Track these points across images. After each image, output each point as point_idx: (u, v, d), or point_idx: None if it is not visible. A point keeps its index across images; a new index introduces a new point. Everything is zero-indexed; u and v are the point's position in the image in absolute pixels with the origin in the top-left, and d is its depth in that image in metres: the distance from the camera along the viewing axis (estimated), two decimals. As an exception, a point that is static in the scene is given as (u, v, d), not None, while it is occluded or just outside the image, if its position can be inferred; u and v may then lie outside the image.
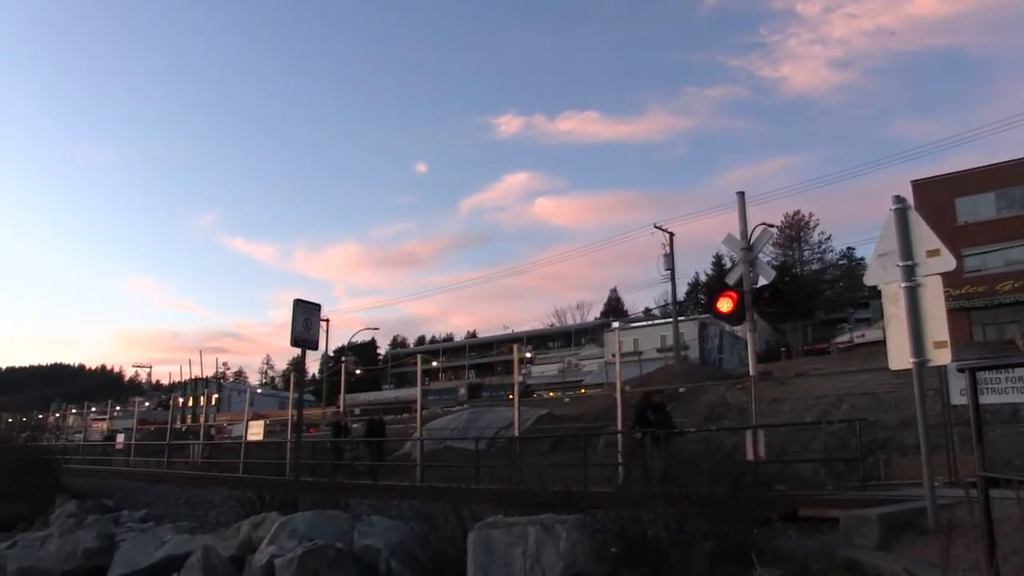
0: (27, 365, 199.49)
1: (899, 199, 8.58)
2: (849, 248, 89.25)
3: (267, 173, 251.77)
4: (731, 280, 17.84)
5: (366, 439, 26.06)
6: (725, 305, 16.84)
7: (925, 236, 8.38)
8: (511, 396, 35.27)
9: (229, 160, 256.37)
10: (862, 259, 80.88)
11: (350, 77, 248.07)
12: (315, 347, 17.04)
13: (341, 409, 31.07)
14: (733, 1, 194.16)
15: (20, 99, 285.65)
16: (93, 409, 68.54)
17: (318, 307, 16.67)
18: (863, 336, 59.52)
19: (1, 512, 17.83)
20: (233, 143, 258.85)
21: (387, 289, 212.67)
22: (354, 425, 31.20)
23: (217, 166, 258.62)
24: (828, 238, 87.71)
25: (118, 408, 63.28)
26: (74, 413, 66.31)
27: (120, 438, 46.32)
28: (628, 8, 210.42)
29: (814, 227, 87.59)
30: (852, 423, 17.24)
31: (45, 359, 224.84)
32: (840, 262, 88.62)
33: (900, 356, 8.49)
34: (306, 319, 16.12)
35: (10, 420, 61.53)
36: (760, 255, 17.39)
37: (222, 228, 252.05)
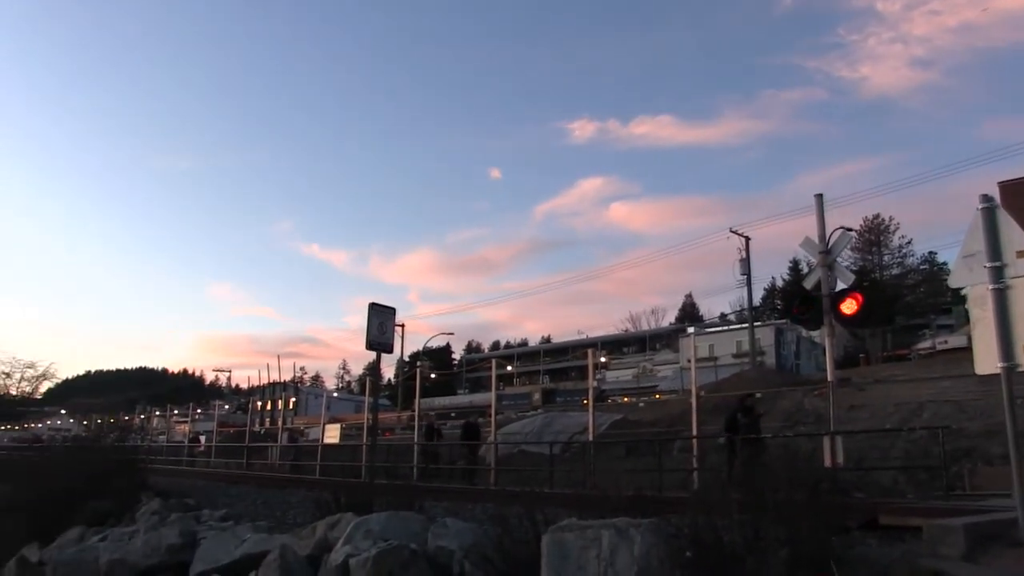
0: (113, 368, 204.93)
1: (987, 198, 8.32)
2: (931, 252, 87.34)
3: (342, 180, 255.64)
4: (808, 284, 17.57)
5: (462, 442, 26.52)
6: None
7: (1015, 236, 8.11)
8: (585, 401, 35.18)
9: (306, 168, 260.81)
10: (944, 264, 79.16)
11: (425, 83, 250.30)
12: (390, 351, 17.13)
13: (416, 412, 31.35)
14: (810, 1, 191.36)
15: (102, 111, 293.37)
16: (175, 412, 69.96)
17: (393, 311, 16.77)
18: (945, 343, 58.08)
19: (92, 508, 18.39)
20: (309, 151, 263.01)
21: (462, 295, 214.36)
22: (439, 430, 31.34)
23: (294, 174, 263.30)
24: (909, 242, 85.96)
25: (199, 411, 64.46)
26: (157, 415, 67.64)
27: (202, 440, 47.25)
28: (703, 11, 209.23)
29: (894, 231, 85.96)
30: (934, 430, 16.81)
31: (130, 363, 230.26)
32: (921, 267, 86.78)
33: (987, 360, 8.23)
34: (381, 323, 16.22)
35: (99, 421, 63.16)
36: (839, 259, 17.08)
37: (299, 235, 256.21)
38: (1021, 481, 7.99)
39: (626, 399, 58.33)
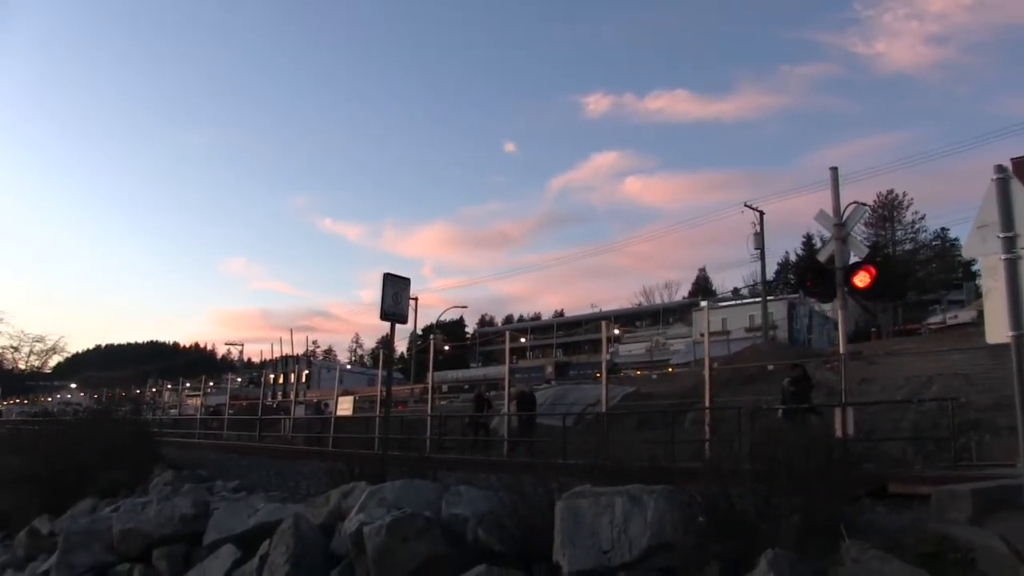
0: (125, 343, 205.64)
1: (1001, 168, 8.34)
2: (943, 228, 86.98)
3: (357, 154, 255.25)
4: (822, 257, 17.59)
5: (518, 413, 25.62)
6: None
7: (1029, 206, 8.15)
8: (598, 374, 35.26)
9: (320, 142, 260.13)
10: (956, 240, 78.87)
11: (440, 57, 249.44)
12: (404, 321, 17.15)
13: (430, 384, 31.49)
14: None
15: (117, 84, 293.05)
16: (188, 385, 70.29)
17: (407, 281, 16.79)
18: (956, 317, 57.95)
19: (104, 479, 18.54)
20: (323, 125, 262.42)
21: (476, 268, 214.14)
22: (490, 400, 30.94)
23: (309, 148, 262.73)
24: (922, 218, 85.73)
25: (211, 384, 64.75)
26: (169, 389, 67.95)
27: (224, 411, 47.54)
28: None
29: (908, 207, 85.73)
30: (943, 402, 16.88)
31: (142, 337, 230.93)
32: (934, 243, 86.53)
33: (998, 329, 8.28)
34: (396, 293, 16.24)
35: (110, 395, 63.46)
36: (852, 232, 17.07)
37: (313, 209, 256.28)
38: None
39: (638, 373, 58.39)
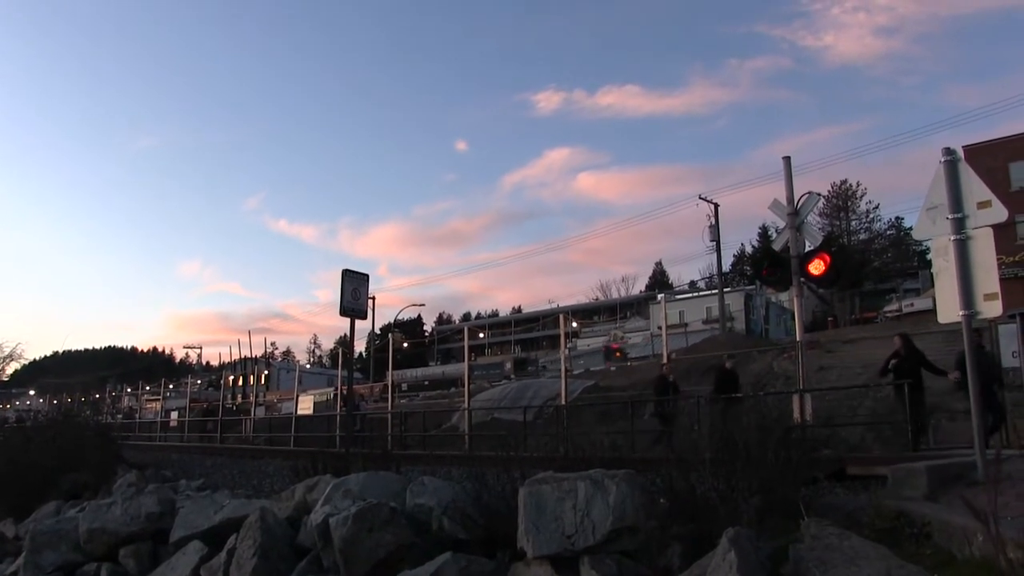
0: (82, 349, 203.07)
1: (949, 151, 8.51)
2: (897, 218, 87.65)
3: (310, 154, 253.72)
4: (777, 246, 17.74)
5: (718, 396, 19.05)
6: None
7: (976, 188, 8.31)
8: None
9: (273, 143, 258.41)
10: (910, 228, 79.61)
11: (388, 56, 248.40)
12: (364, 316, 17.19)
13: (389, 383, 31.26)
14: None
15: (66, 87, 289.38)
16: (147, 389, 69.70)
17: (366, 277, 16.83)
18: (912, 305, 58.72)
19: (68, 481, 18.44)
20: (275, 125, 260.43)
21: (432, 267, 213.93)
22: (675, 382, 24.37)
23: (261, 149, 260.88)
24: (876, 207, 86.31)
25: (171, 387, 64.23)
26: (128, 393, 67.31)
27: (174, 415, 47.27)
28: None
29: (861, 196, 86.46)
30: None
31: (99, 343, 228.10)
32: (888, 232, 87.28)
33: (949, 309, 8.45)
34: (354, 288, 16.27)
35: (69, 400, 62.80)
36: (807, 220, 17.25)
37: (267, 210, 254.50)
38: (980, 419, 8.27)
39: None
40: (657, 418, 17.08)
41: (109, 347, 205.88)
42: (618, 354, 59.84)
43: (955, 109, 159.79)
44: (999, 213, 8.19)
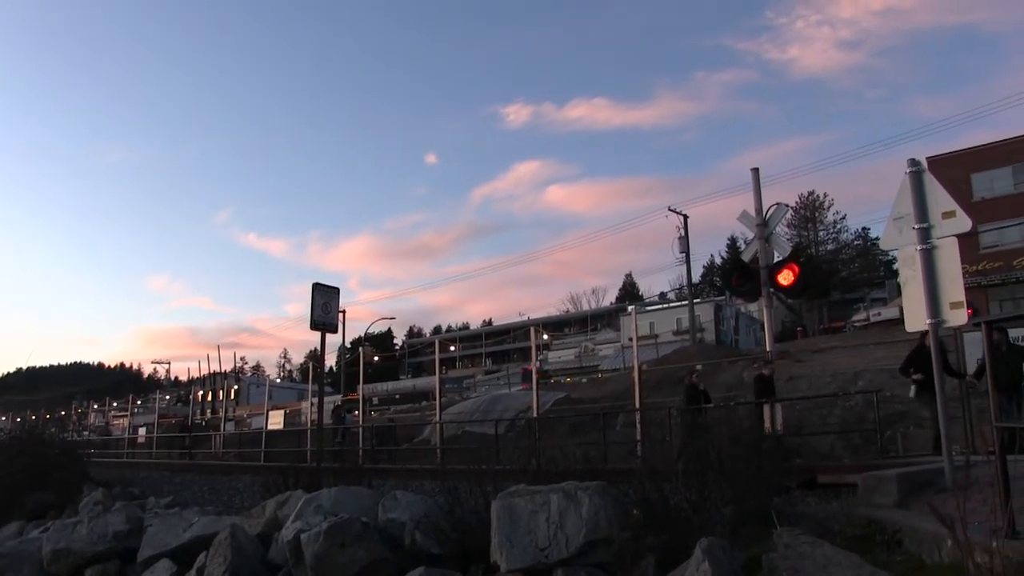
0: (47, 365, 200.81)
1: (914, 162, 8.62)
2: (864, 228, 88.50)
3: (279, 168, 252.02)
4: (747, 257, 17.88)
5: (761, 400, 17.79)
6: (786, 278, 16.69)
7: (941, 198, 8.41)
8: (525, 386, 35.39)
9: (242, 156, 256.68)
10: (877, 239, 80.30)
11: (358, 69, 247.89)
12: (335, 330, 17.13)
13: (360, 396, 30.90)
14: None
15: (35, 100, 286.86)
16: (114, 405, 69.03)
17: (337, 290, 16.76)
18: (879, 315, 59.26)
19: (32, 501, 18.19)
20: (245, 139, 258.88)
21: (402, 280, 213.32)
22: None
23: (230, 163, 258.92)
24: (843, 218, 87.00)
25: (139, 403, 63.68)
26: (96, 410, 66.64)
27: (142, 432, 46.84)
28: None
29: (829, 207, 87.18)
30: (869, 395, 17.23)
31: (65, 359, 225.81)
32: (855, 242, 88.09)
33: (916, 318, 8.54)
34: (325, 302, 16.21)
35: (34, 417, 62.13)
36: (776, 230, 17.40)
37: (236, 224, 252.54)
38: (947, 426, 8.35)
39: (568, 380, 58.70)
40: (686, 428, 16.84)
41: (75, 363, 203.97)
42: (537, 376, 59.75)
43: (919, 121, 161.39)
44: (963, 223, 8.29)
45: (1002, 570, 4.84)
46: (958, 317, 8.35)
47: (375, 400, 63.99)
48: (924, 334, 17.20)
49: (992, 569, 4.84)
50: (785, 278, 16.69)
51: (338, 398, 36.27)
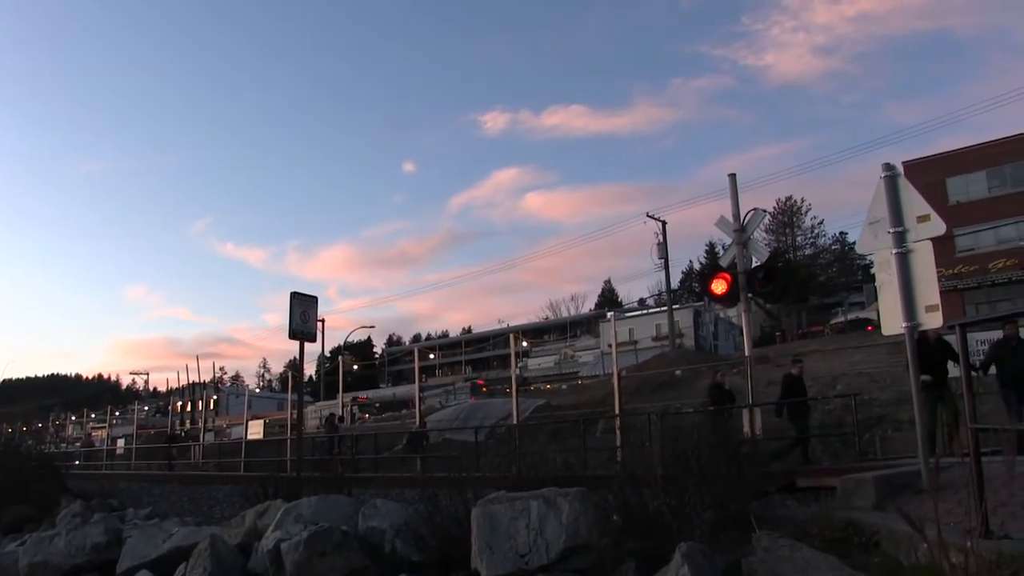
0: (24, 377, 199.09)
1: (888, 166, 8.70)
2: (842, 233, 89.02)
3: (255, 177, 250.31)
4: (724, 262, 17.93)
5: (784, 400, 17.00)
6: (719, 287, 16.88)
7: (915, 202, 8.49)
8: (508, 389, 35.38)
9: (219, 166, 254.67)
10: (854, 243, 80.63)
11: (334, 78, 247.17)
12: (313, 339, 17.07)
13: (340, 405, 30.84)
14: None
15: (8, 111, 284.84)
16: (92, 416, 68.57)
17: (315, 299, 16.71)
18: (857, 319, 59.71)
19: (9, 514, 18.04)
20: (222, 148, 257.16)
21: (381, 289, 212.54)
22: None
23: (207, 172, 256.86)
24: (821, 223, 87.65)
25: (117, 414, 63.27)
26: (73, 421, 66.25)
27: (120, 443, 46.54)
28: (610, 1, 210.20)
29: (806, 212, 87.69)
30: (847, 399, 17.31)
31: (42, 371, 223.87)
32: (833, 247, 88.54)
33: (892, 321, 8.61)
34: (303, 311, 16.16)
35: (10, 430, 61.63)
36: (754, 235, 17.46)
37: (214, 234, 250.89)
38: (924, 427, 8.41)
39: (548, 387, 58.72)
40: (712, 430, 16.73)
41: (52, 375, 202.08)
42: (484, 389, 60.52)
43: (894, 126, 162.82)
44: (938, 226, 8.36)
45: (976, 569, 4.89)
46: (934, 320, 8.42)
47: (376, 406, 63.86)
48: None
49: (967, 569, 4.89)
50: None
51: (339, 399, 36.05)
